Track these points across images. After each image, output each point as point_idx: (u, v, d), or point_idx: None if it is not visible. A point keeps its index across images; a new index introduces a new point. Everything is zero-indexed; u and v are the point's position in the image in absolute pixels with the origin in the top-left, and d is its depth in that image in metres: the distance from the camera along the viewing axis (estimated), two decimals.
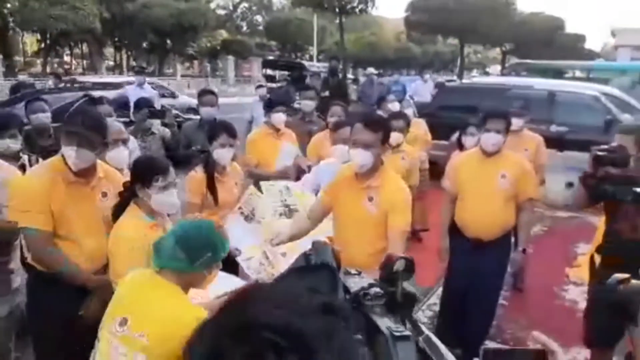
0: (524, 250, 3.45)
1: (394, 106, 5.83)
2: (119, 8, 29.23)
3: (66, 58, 34.87)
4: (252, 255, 2.64)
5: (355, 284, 1.44)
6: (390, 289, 1.41)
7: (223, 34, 41.44)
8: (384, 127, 2.61)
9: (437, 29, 26.88)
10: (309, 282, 1.47)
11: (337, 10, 17.97)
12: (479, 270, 3.36)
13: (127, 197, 2.28)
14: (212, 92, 4.95)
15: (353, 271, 1.54)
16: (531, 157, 4.53)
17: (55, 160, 2.41)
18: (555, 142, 8.10)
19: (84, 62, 36.74)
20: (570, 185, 7.81)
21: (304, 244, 2.79)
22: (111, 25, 29.34)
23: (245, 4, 48.17)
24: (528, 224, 3.50)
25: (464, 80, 13.35)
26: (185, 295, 1.76)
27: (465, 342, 3.56)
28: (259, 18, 49.53)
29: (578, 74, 18.72)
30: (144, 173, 2.24)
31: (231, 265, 3.03)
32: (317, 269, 1.55)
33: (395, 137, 4.06)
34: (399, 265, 1.47)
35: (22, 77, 10.94)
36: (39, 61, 30.40)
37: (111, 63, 35.79)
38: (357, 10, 14.35)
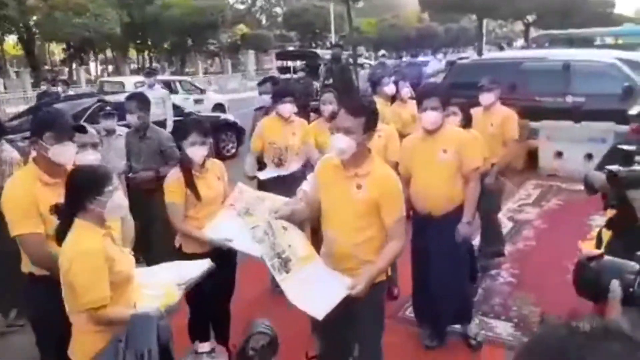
0: (469, 222, 3.50)
1: (390, 89, 5.76)
2: (138, 11, 29.68)
3: (91, 64, 35.62)
4: (257, 224, 2.69)
5: None
6: None
7: (243, 28, 41.59)
8: (367, 113, 2.52)
9: (452, 6, 26.24)
10: None
11: None
12: (433, 247, 3.46)
13: (69, 215, 2.22)
14: (268, 80, 5.11)
15: None
16: (497, 131, 4.62)
17: (29, 166, 2.51)
18: (572, 113, 7.93)
19: (109, 66, 37.53)
20: (589, 157, 7.63)
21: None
22: (132, 28, 29.83)
23: None
24: (473, 195, 3.53)
25: (474, 57, 13.07)
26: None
27: (434, 321, 3.63)
28: (278, 10, 49.54)
29: (609, 41, 18.02)
30: (93, 183, 2.20)
31: (226, 257, 3.09)
32: None
33: None
34: (253, 343, 1.38)
35: (44, 86, 11.21)
36: (66, 70, 31.15)
37: (135, 66, 36.38)
38: None
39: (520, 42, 45.66)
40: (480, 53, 19.24)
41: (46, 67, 33.88)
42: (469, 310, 3.75)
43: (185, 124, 3.19)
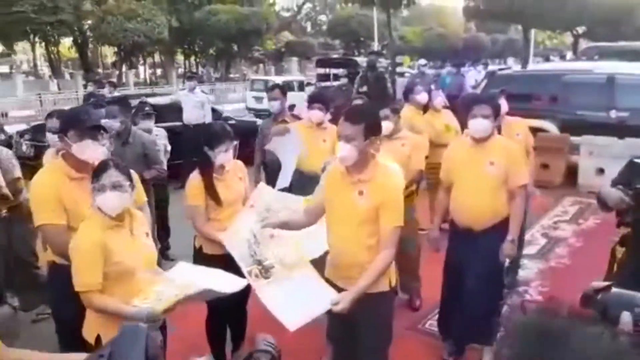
0: (512, 241, 3.31)
1: (422, 97, 5.70)
2: (187, 17, 30.45)
3: (140, 68, 36.75)
4: (239, 231, 2.70)
5: None
6: None
7: (287, 35, 42.05)
8: (367, 119, 2.51)
9: (496, 15, 25.70)
10: None
11: (378, 3, 17.34)
12: (469, 263, 3.29)
13: None
14: (276, 87, 5.19)
15: None
16: (523, 142, 4.46)
17: (57, 160, 2.64)
18: (615, 129, 7.64)
19: (157, 70, 38.64)
20: None
21: (290, 234, 2.81)
22: (180, 34, 30.63)
23: (309, 5, 48.61)
24: (519, 213, 3.36)
25: (515, 68, 12.79)
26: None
27: (458, 338, 3.51)
28: (323, 18, 49.85)
29: None
30: (92, 176, 2.38)
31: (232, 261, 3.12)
32: None
33: (383, 126, 4.02)
34: None
35: (91, 88, 11.66)
36: (116, 72, 32.28)
37: (181, 70, 37.31)
38: (404, 2, 13.97)
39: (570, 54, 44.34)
40: (525, 64, 18.79)
41: (98, 70, 35.18)
42: (493, 332, 3.61)
43: (214, 131, 3.20)
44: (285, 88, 5.31)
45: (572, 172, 7.98)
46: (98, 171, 2.35)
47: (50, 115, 3.75)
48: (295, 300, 2.44)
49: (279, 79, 16.05)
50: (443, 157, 3.64)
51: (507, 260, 3.42)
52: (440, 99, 5.77)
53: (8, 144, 5.51)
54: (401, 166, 4.08)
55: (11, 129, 8.48)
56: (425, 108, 5.94)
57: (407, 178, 4.06)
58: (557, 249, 5.69)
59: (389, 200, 2.49)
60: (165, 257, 5.44)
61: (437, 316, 4.18)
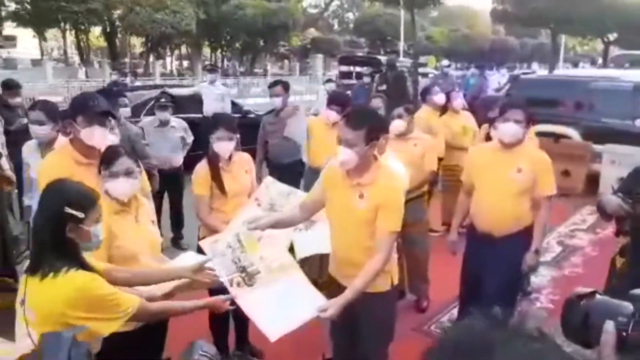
0: (536, 251, 3.23)
1: (439, 98, 5.65)
2: (215, 9, 30.67)
3: (167, 59, 37.19)
4: (220, 237, 2.60)
5: None
6: None
7: (313, 32, 42.05)
8: (368, 124, 2.44)
9: (524, 19, 25.26)
10: None
11: (404, 2, 17.09)
12: (488, 268, 3.22)
13: None
14: (278, 83, 5.22)
15: None
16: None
17: (65, 145, 2.69)
18: None
19: (184, 62, 39.04)
20: None
21: (283, 233, 2.75)
22: (207, 26, 30.87)
23: (337, 2, 48.54)
24: (544, 223, 3.27)
25: (540, 73, 12.58)
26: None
27: None
28: (350, 15, 49.75)
29: None
30: (100, 161, 2.45)
31: None
32: None
33: (395, 125, 4.00)
34: None
35: (114, 76, 11.82)
36: (143, 62, 32.69)
37: (208, 63, 37.64)
38: (429, 2, 13.79)
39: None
40: (552, 69, 18.49)
41: (125, 59, 35.70)
42: None
43: (213, 120, 3.27)
44: (288, 84, 5.36)
45: (593, 181, 7.82)
46: (110, 158, 2.40)
47: (32, 107, 3.45)
48: (279, 307, 2.36)
49: None
50: (466, 159, 3.57)
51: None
52: (459, 100, 5.71)
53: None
54: (412, 167, 4.08)
55: None
56: (444, 109, 5.90)
57: (419, 179, 4.04)
58: (572, 258, 5.59)
59: (388, 204, 2.44)
60: (177, 246, 5.51)
61: (443, 318, 4.17)
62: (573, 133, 8.10)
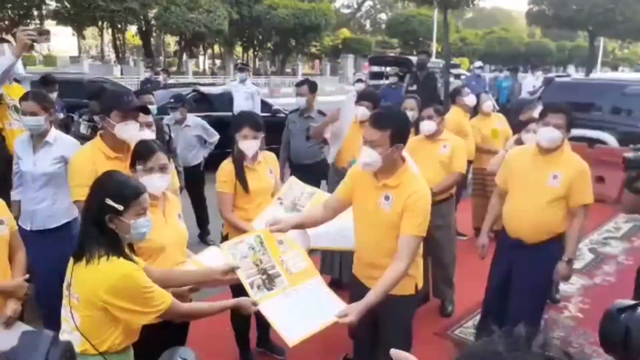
0: (569, 261, 3.12)
1: (470, 100, 5.56)
2: (247, 10, 30.99)
3: (200, 58, 37.71)
4: (242, 239, 2.55)
5: None
6: None
7: (345, 32, 42.04)
8: (394, 125, 2.40)
9: (561, 21, 24.67)
10: None
11: (437, 3, 16.83)
12: (516, 276, 3.14)
13: None
14: (305, 83, 5.25)
15: None
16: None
17: (96, 140, 2.75)
18: None
19: (216, 61, 39.54)
20: None
21: (304, 236, 2.74)
22: (240, 26, 31.21)
23: (370, 3, 48.44)
24: (579, 233, 3.13)
25: (575, 76, 12.27)
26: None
27: None
28: (382, 16, 49.55)
29: None
30: (133, 156, 2.47)
31: None
32: None
33: (425, 125, 3.98)
34: None
35: (147, 74, 12.01)
36: (178, 61, 33.25)
37: (238, 62, 38.05)
38: (463, 3, 13.56)
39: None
40: (588, 73, 18.02)
41: (160, 57, 36.39)
42: None
43: (239, 118, 3.27)
44: (314, 84, 5.31)
45: None
46: (146, 153, 2.42)
47: (24, 98, 3.31)
48: (298, 312, 2.34)
49: None
50: (503, 162, 3.45)
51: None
52: (489, 102, 5.60)
53: (65, 123, 5.72)
54: (441, 168, 4.05)
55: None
56: (475, 111, 5.81)
57: (447, 181, 4.00)
58: (604, 266, 5.43)
59: (414, 208, 2.39)
60: (204, 242, 5.57)
61: (467, 324, 4.10)
62: (609, 138, 7.88)
